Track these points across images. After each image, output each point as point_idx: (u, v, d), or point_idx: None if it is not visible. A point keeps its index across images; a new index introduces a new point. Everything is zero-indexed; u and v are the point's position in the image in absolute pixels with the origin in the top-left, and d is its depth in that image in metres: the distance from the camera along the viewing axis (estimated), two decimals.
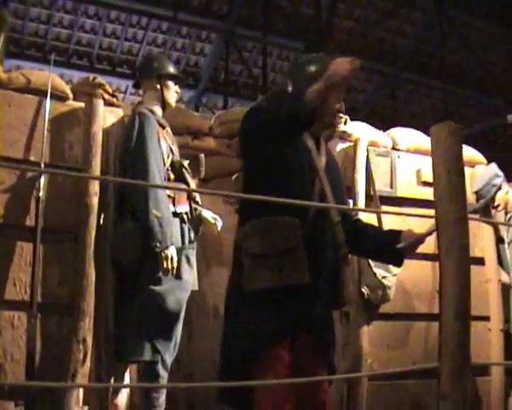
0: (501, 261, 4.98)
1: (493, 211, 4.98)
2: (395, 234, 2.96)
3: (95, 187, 3.77)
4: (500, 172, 4.93)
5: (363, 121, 5.07)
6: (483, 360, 4.84)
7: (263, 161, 2.78)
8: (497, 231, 5.12)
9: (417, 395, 4.68)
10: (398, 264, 3.04)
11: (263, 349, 2.66)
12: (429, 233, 2.79)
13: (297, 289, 2.66)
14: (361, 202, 4.44)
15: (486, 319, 4.95)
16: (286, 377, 2.66)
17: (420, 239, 2.87)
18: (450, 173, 2.09)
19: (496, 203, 4.88)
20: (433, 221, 3.27)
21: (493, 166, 5.01)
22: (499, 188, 4.86)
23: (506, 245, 4.87)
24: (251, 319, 2.71)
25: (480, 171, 5.14)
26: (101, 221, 3.81)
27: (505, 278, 5.02)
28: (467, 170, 4.92)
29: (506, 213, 4.97)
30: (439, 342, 2.16)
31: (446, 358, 2.09)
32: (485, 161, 5.34)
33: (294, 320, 2.72)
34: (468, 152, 5.18)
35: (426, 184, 4.69)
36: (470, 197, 4.90)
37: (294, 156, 2.81)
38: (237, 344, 2.75)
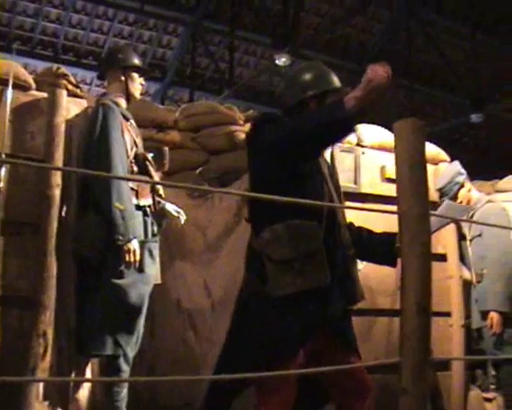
0: (463, 258, 5.03)
1: None
2: (390, 236, 3.08)
3: (57, 179, 3.72)
4: (463, 170, 4.98)
5: None
6: (444, 355, 4.89)
7: (280, 169, 2.82)
8: (459, 228, 5.17)
9: (379, 390, 4.71)
10: (394, 265, 3.10)
11: (288, 354, 2.73)
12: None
13: (318, 291, 2.74)
14: None
15: (448, 314, 5.00)
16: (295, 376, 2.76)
17: None
18: (412, 170, 2.10)
19: (458, 201, 4.92)
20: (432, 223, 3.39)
21: (456, 164, 5.06)
22: (462, 186, 4.90)
23: (468, 242, 4.92)
24: (277, 324, 2.75)
25: (443, 168, 5.19)
26: (64, 213, 3.77)
27: (467, 274, 5.08)
28: (430, 167, 5.00)
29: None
30: (400, 337, 2.17)
31: (407, 353, 2.11)
32: (448, 158, 5.39)
33: (318, 320, 2.80)
34: (432, 149, 5.23)
35: (390, 180, 4.73)
36: (433, 194, 4.94)
37: (307, 165, 2.91)
38: (264, 349, 2.79)
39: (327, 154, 3.55)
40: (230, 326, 3.04)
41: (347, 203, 4.58)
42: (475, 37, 13.46)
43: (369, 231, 3.27)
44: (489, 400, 5.08)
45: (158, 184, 3.98)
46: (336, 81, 3.14)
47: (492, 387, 5.37)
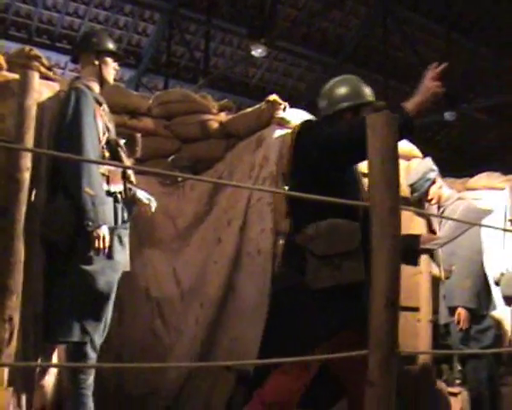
0: (432, 254, 5.06)
1: (426, 205, 5.05)
2: (415, 238, 3.50)
3: (27, 162, 3.65)
4: (435, 167, 5.00)
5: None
6: (411, 349, 4.93)
7: (326, 172, 3.06)
8: (429, 224, 5.20)
9: None
10: (415, 264, 3.65)
11: (323, 341, 2.92)
12: (447, 242, 3.20)
13: (353, 286, 2.90)
14: None
15: (416, 309, 5.02)
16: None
17: (440, 245, 3.68)
18: (384, 163, 2.10)
19: (429, 197, 4.95)
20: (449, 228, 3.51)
21: (428, 161, 5.08)
22: (433, 182, 4.92)
23: None
24: (316, 314, 2.94)
25: (415, 164, 5.21)
26: (33, 197, 3.71)
27: (436, 270, 5.11)
28: (402, 163, 5.02)
29: (439, 208, 5.05)
30: (368, 330, 2.18)
31: (375, 346, 2.12)
32: (420, 155, 5.41)
33: (352, 314, 2.95)
34: (405, 145, 5.24)
35: (362, 175, 4.73)
36: (405, 190, 4.96)
37: (349, 171, 3.18)
38: (300, 335, 2.96)
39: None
40: (269, 316, 3.27)
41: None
42: (450, 37, 13.55)
43: None
44: (454, 394, 5.14)
45: (130, 168, 3.94)
46: (370, 95, 3.40)
47: (458, 382, 5.44)
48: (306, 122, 3.38)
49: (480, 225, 4.66)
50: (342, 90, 3.32)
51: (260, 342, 3.18)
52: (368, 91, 3.37)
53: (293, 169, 3.33)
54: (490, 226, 3.71)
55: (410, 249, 3.31)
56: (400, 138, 2.94)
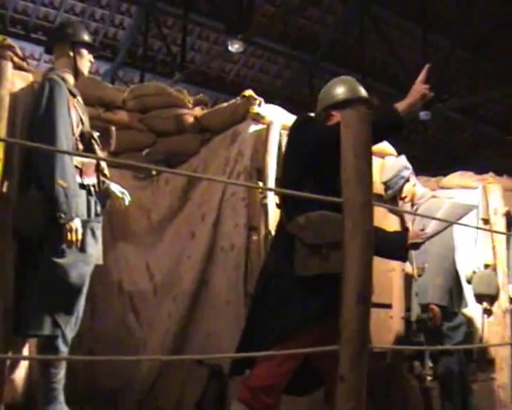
0: None
1: (400, 202, 5.07)
2: (401, 234, 3.57)
3: None
4: (409, 165, 5.02)
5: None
6: (384, 345, 4.95)
7: (319, 166, 3.15)
8: (403, 221, 5.23)
9: None
10: (404, 260, 3.75)
11: (307, 327, 3.01)
12: (434, 234, 3.49)
13: (338, 277, 2.86)
14: (271, 186, 4.45)
15: (389, 306, 5.05)
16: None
17: (424, 240, 3.50)
18: (357, 158, 2.11)
19: (403, 195, 4.97)
20: (436, 223, 3.57)
21: (402, 159, 5.11)
22: (407, 180, 4.94)
23: None
24: (301, 300, 3.02)
25: (389, 162, 5.22)
26: (5, 188, 3.67)
27: (408, 268, 5.14)
28: (377, 160, 5.04)
29: (412, 205, 5.07)
30: (339, 325, 2.18)
31: (346, 341, 2.12)
32: (395, 152, 5.43)
33: (333, 303, 2.89)
34: (379, 143, 5.26)
35: None
36: (379, 187, 4.98)
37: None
38: (275, 322, 3.05)
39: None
40: (254, 301, 3.30)
41: None
42: (426, 37, 13.64)
43: (382, 229, 3.54)
44: (425, 390, 5.17)
45: (104, 160, 3.91)
46: (362, 92, 3.46)
47: (429, 378, 5.47)
48: (304, 116, 3.45)
49: (455, 223, 4.70)
50: (339, 89, 3.41)
51: (245, 328, 3.20)
52: (364, 91, 3.45)
53: (286, 162, 3.41)
54: (463, 224, 3.74)
55: (398, 245, 3.37)
56: (390, 135, 3.23)
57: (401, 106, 3.08)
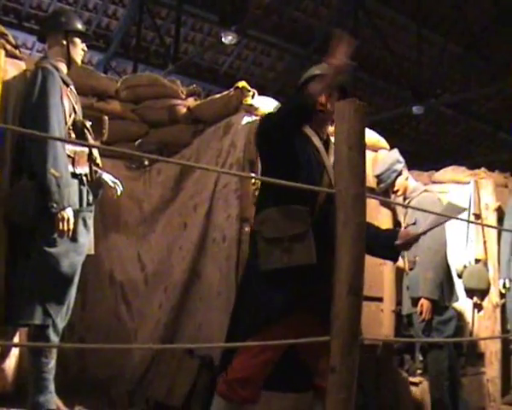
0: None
1: (392, 196, 5.08)
2: (393, 233, 3.44)
3: None
4: (401, 159, 5.02)
5: None
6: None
7: (276, 159, 3.08)
8: (395, 215, 5.24)
9: None
10: (395, 260, 3.63)
11: (271, 321, 2.97)
12: (424, 232, 3.38)
13: (305, 270, 2.94)
14: None
15: (380, 300, 5.06)
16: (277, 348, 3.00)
17: (415, 238, 3.36)
18: (351, 150, 2.11)
19: (395, 188, 4.97)
20: (430, 220, 3.51)
21: (395, 152, 5.11)
22: (400, 174, 4.94)
23: (402, 229, 4.98)
24: (264, 294, 3.00)
25: (382, 155, 5.23)
26: None
27: (400, 262, 5.15)
28: (370, 154, 5.04)
29: (404, 199, 5.08)
30: (331, 316, 2.19)
31: (337, 332, 2.13)
32: (388, 146, 5.44)
33: (301, 298, 3.00)
34: (373, 136, 5.27)
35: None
36: (371, 180, 4.98)
37: (302, 155, 3.12)
38: (246, 318, 3.04)
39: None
40: (235, 295, 3.32)
41: None
42: (420, 32, 13.64)
43: (374, 226, 3.49)
44: (415, 384, 5.19)
45: (97, 148, 3.90)
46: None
47: (419, 372, 5.49)
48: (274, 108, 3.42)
49: (444, 215, 4.71)
50: (315, 68, 3.36)
51: (229, 323, 3.21)
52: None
53: (260, 159, 3.40)
54: (455, 218, 3.73)
55: (390, 245, 3.31)
56: (301, 115, 2.98)
57: (313, 84, 2.99)
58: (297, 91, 3.36)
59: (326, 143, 3.29)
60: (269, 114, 3.21)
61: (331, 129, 3.36)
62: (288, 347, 3.05)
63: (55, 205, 3.45)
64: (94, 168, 3.85)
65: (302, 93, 2.99)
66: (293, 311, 2.98)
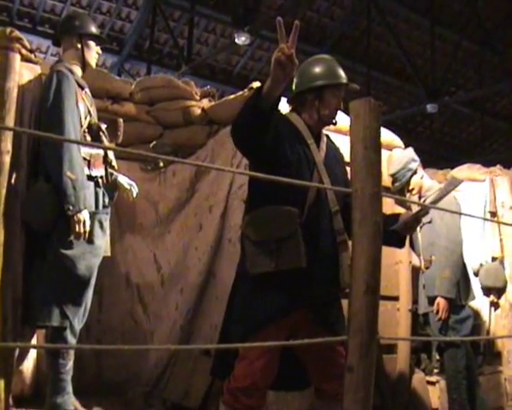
0: (412, 244, 5.08)
1: (408, 195, 5.06)
2: (395, 217, 3.23)
3: (7, 145, 3.62)
4: (416, 157, 5.01)
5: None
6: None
7: (263, 157, 2.89)
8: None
9: None
10: (400, 246, 3.33)
11: (259, 328, 2.87)
12: (424, 212, 3.21)
13: (295, 273, 2.84)
14: None
15: (396, 299, 5.05)
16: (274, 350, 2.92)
17: (415, 218, 3.16)
18: (367, 149, 2.10)
19: (411, 187, 4.96)
20: (430, 198, 3.38)
21: (410, 151, 5.09)
22: (415, 172, 4.93)
23: (418, 229, 4.97)
24: (251, 299, 2.92)
25: (397, 154, 5.21)
26: (13, 181, 3.68)
27: (416, 261, 5.14)
28: (384, 153, 5.02)
29: (420, 198, 5.06)
30: (347, 315, 2.18)
31: (354, 331, 2.12)
32: (402, 145, 5.42)
33: (293, 300, 2.91)
34: (387, 135, 5.25)
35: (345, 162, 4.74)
36: (386, 179, 4.97)
37: (292, 151, 2.99)
38: (237, 323, 2.97)
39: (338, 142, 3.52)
40: (228, 300, 3.19)
41: None
42: (434, 29, 13.60)
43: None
44: (432, 383, 5.17)
45: (112, 150, 3.91)
46: (344, 77, 3.20)
47: (436, 371, 5.47)
48: None
49: (461, 214, 4.69)
50: (316, 70, 3.15)
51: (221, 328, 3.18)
52: (341, 73, 3.18)
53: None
54: (470, 215, 3.72)
55: (391, 230, 3.16)
56: (255, 116, 2.71)
57: (264, 88, 2.68)
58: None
59: (317, 138, 3.15)
60: (233, 122, 2.91)
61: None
62: (285, 348, 3.00)
63: (71, 207, 3.47)
64: (109, 170, 3.87)
65: (258, 92, 2.71)
66: (286, 314, 2.91)
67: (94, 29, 3.97)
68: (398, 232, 3.16)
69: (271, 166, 2.81)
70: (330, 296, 3.09)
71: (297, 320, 2.96)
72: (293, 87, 3.23)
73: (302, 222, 2.86)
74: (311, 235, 2.88)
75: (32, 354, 4.10)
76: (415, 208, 5.09)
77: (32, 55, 3.99)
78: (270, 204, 2.88)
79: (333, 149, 3.27)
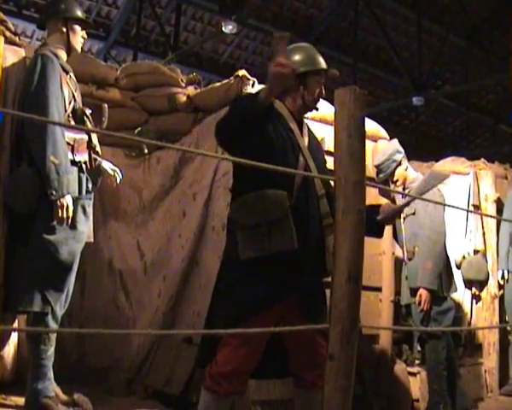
0: (396, 236, 5.10)
1: (392, 186, 5.07)
2: (375, 208, 3.26)
3: None
4: (401, 149, 5.01)
5: None
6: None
7: (248, 146, 2.87)
8: (394, 205, 5.23)
9: None
10: (379, 235, 3.39)
11: (251, 313, 2.87)
12: (406, 204, 3.34)
13: (286, 257, 2.85)
14: None
15: (378, 290, 5.06)
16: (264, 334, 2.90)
17: (397, 211, 3.26)
18: (351, 137, 2.10)
19: (395, 178, 4.96)
20: (412, 191, 3.40)
21: (395, 143, 5.09)
22: (399, 164, 4.93)
23: (402, 220, 4.98)
24: (243, 285, 2.93)
25: (382, 146, 5.22)
26: None
27: (399, 252, 5.15)
28: (369, 144, 5.03)
29: (404, 189, 5.07)
30: (329, 304, 2.18)
31: (336, 319, 2.12)
32: (387, 136, 5.42)
33: (283, 286, 2.91)
34: (372, 126, 5.25)
35: (328, 153, 4.72)
36: (371, 170, 4.97)
37: (278, 137, 3.00)
38: (225, 310, 2.99)
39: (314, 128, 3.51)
40: (214, 286, 3.28)
41: None
42: (421, 23, 13.62)
43: None
44: (413, 374, 5.20)
45: (96, 132, 3.89)
46: (323, 63, 3.24)
47: (417, 362, 5.50)
48: (236, 97, 3.27)
49: (444, 205, 4.71)
50: (296, 57, 3.15)
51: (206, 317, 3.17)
52: (321, 60, 3.22)
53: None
54: (453, 206, 3.74)
55: (371, 220, 3.18)
56: (250, 119, 2.76)
57: (262, 92, 2.72)
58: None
59: (300, 124, 3.18)
60: (221, 121, 2.91)
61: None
62: (274, 335, 2.99)
63: (54, 192, 3.45)
64: (93, 156, 3.84)
65: (253, 97, 2.77)
66: (277, 300, 2.91)
67: (79, 13, 3.93)
68: (378, 222, 3.21)
69: (256, 151, 2.80)
70: (317, 282, 3.10)
71: (284, 308, 2.96)
72: None
73: (292, 205, 2.88)
74: (300, 218, 2.90)
75: (13, 339, 4.07)
76: (398, 199, 5.12)
77: (17, 38, 3.95)
78: (259, 189, 2.88)
79: (313, 137, 3.29)
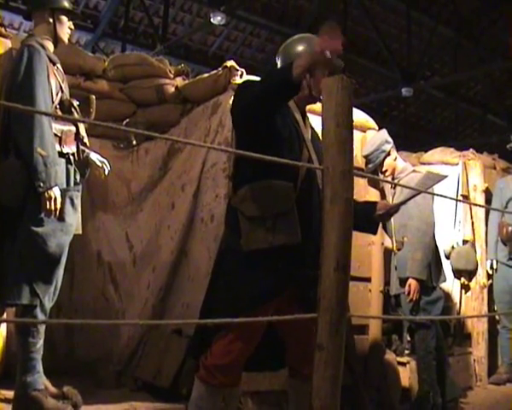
0: (385, 226, 5.11)
1: (381, 176, 5.08)
2: (371, 205, 3.29)
3: None
4: (390, 139, 5.01)
5: None
6: (363, 319, 4.99)
7: (255, 133, 2.87)
8: (383, 195, 5.24)
9: None
10: (374, 232, 3.43)
11: (251, 307, 2.82)
12: (403, 203, 3.33)
13: (289, 249, 2.83)
14: None
15: (368, 280, 5.08)
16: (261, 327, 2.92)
17: (394, 209, 3.26)
18: (339, 126, 2.09)
19: (384, 169, 4.97)
20: (407, 192, 3.43)
21: (384, 133, 5.10)
22: (388, 154, 4.94)
23: None
24: (246, 277, 2.88)
25: (370, 136, 5.22)
26: None
27: (388, 242, 5.16)
28: (358, 134, 5.03)
29: (393, 179, 5.07)
30: (318, 293, 2.18)
31: (324, 309, 2.12)
32: (376, 127, 5.43)
33: (284, 280, 2.89)
34: (361, 117, 5.25)
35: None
36: (360, 161, 4.98)
37: (284, 128, 2.97)
38: (224, 303, 2.92)
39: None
40: (210, 277, 3.13)
41: None
42: (410, 14, 13.62)
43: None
44: (403, 364, 5.22)
45: (83, 122, 3.86)
46: (327, 53, 3.07)
47: (406, 352, 5.52)
48: (243, 83, 3.18)
49: (433, 194, 4.72)
50: (299, 48, 3.15)
51: (202, 309, 3.13)
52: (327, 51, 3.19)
53: (236, 133, 3.24)
54: (443, 196, 3.73)
55: (367, 218, 3.21)
56: (283, 95, 2.74)
57: (295, 67, 2.63)
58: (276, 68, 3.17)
59: (303, 116, 3.16)
60: (243, 90, 2.92)
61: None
62: (268, 327, 2.98)
63: (41, 184, 3.42)
64: (81, 147, 3.82)
65: (286, 69, 2.68)
66: (277, 294, 2.90)
67: (66, 3, 3.90)
68: (375, 220, 3.24)
69: (264, 140, 2.83)
70: (317, 276, 3.09)
71: (283, 301, 2.93)
72: (279, 66, 3.23)
73: (296, 198, 2.87)
74: (303, 210, 2.88)
75: (2, 332, 4.06)
76: (387, 189, 5.13)
77: (2, 29, 3.92)
78: (263, 179, 2.87)
79: (314, 130, 3.27)
